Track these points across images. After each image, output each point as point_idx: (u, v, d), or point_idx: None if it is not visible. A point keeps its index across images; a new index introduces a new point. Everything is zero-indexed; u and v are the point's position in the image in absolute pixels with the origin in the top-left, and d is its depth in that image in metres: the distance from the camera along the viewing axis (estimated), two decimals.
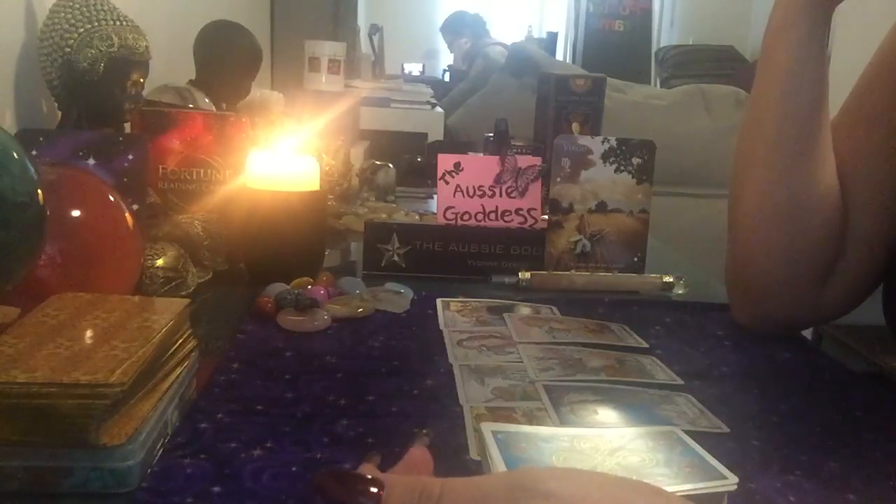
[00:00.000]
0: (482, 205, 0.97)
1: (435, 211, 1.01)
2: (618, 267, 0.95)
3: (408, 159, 1.69)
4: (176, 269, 0.78)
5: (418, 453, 0.37)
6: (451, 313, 0.78)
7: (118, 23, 0.97)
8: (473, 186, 0.97)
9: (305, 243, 0.86)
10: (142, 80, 1.01)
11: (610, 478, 0.34)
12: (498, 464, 0.41)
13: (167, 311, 0.54)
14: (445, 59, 5.63)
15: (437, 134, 2.48)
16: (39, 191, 0.52)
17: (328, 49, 1.81)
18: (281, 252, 0.83)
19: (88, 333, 0.49)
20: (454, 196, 0.97)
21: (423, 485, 0.31)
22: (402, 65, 5.07)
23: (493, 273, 0.91)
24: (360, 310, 0.76)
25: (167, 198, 0.92)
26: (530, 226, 0.97)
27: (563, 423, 0.54)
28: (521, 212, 0.98)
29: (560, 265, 0.94)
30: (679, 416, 0.57)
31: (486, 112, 2.18)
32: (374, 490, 0.30)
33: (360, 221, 1.05)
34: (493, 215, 0.97)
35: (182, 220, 0.87)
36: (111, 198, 0.71)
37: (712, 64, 4.91)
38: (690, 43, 5.34)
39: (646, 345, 0.73)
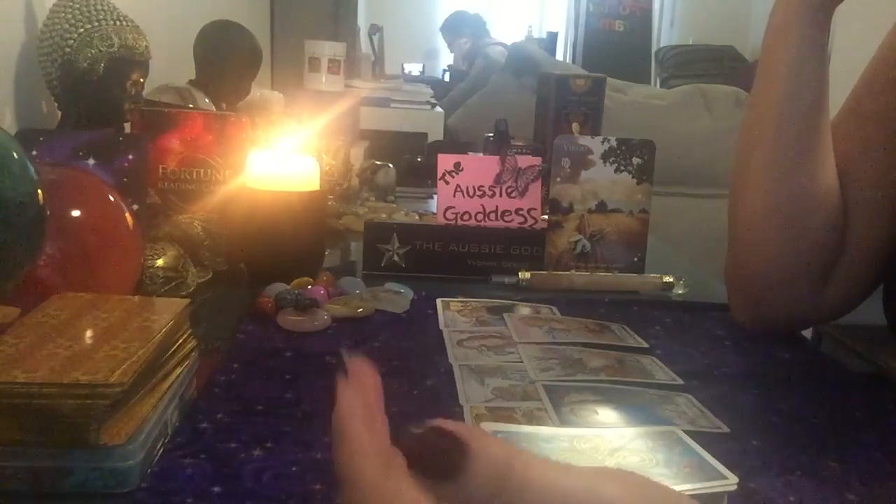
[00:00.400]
0: (482, 205, 0.97)
1: (435, 211, 1.01)
2: (618, 267, 0.95)
3: (408, 159, 1.69)
4: (176, 269, 0.78)
5: (360, 367, 0.31)
6: (451, 313, 0.78)
7: (118, 23, 0.98)
8: (473, 186, 0.97)
9: (305, 243, 0.86)
10: (142, 80, 1.01)
11: (648, 483, 0.30)
12: None
13: (167, 311, 0.54)
14: (445, 59, 5.63)
15: (437, 134, 2.48)
16: (39, 191, 0.52)
17: (328, 49, 1.82)
18: (281, 252, 0.83)
19: (88, 333, 0.49)
20: (454, 196, 0.97)
21: (507, 457, 0.28)
22: (402, 65, 5.07)
23: (493, 273, 0.91)
24: (360, 310, 0.76)
25: (167, 198, 0.92)
26: (530, 226, 0.97)
27: (563, 423, 0.54)
28: (521, 212, 0.98)
29: (560, 265, 0.94)
30: (679, 416, 0.57)
31: (486, 112, 2.18)
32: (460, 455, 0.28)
33: (360, 221, 1.05)
34: (493, 215, 0.97)
35: (182, 220, 0.87)
36: (111, 198, 0.71)
37: (712, 64, 4.91)
38: (690, 43, 5.34)
39: (646, 345, 0.73)
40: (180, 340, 0.54)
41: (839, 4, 0.70)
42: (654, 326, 0.78)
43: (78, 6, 0.96)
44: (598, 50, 5.51)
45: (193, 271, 0.82)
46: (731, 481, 0.42)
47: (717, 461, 0.49)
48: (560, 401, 0.58)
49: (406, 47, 5.43)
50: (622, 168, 0.94)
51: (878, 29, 0.78)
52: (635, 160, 0.95)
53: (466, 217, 0.97)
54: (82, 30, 0.95)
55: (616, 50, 5.48)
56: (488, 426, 0.53)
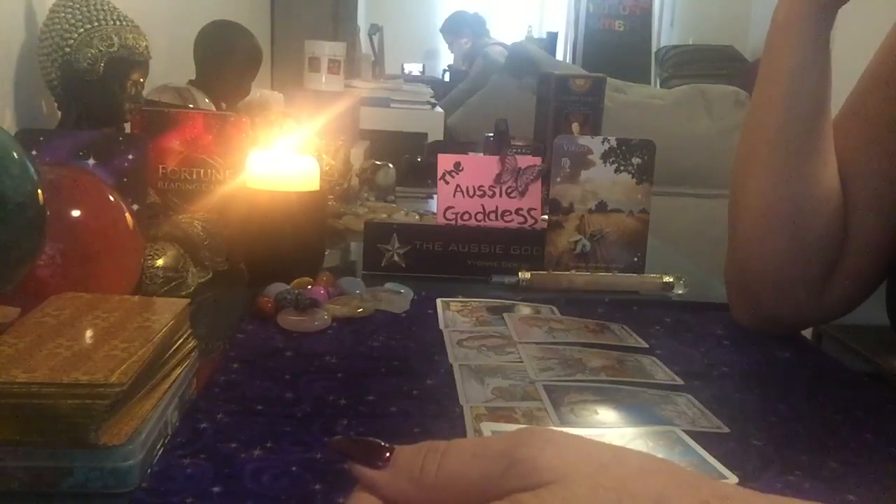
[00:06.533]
0: (482, 205, 0.97)
1: (435, 211, 1.01)
2: (618, 267, 0.95)
3: (408, 159, 1.69)
4: (176, 269, 0.78)
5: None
6: (451, 313, 0.78)
7: (118, 23, 0.98)
8: (473, 186, 0.97)
9: (305, 243, 0.86)
10: (142, 80, 1.01)
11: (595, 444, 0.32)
12: None
13: (167, 311, 0.54)
14: (445, 59, 5.62)
15: (437, 134, 2.48)
16: (39, 191, 0.52)
17: (328, 49, 1.82)
18: (281, 252, 0.83)
19: (88, 333, 0.49)
20: (454, 196, 0.97)
21: (429, 444, 0.32)
22: (402, 65, 5.06)
23: (493, 273, 0.91)
24: (360, 310, 0.76)
25: (167, 198, 0.92)
26: (530, 226, 0.97)
27: (563, 423, 0.54)
28: (521, 212, 0.98)
29: (560, 265, 0.94)
30: (679, 416, 0.57)
31: (486, 112, 2.18)
32: (386, 453, 0.32)
33: (360, 221, 1.05)
34: (493, 215, 0.97)
35: (182, 220, 0.87)
36: (111, 198, 0.71)
37: (712, 64, 4.91)
38: (690, 43, 5.34)
39: (646, 345, 0.73)
40: (180, 340, 0.54)
41: (844, 4, 0.69)
42: (654, 326, 0.78)
43: (78, 6, 0.96)
44: (598, 50, 5.52)
45: (193, 271, 0.82)
46: (731, 481, 0.42)
47: (717, 461, 0.49)
48: (560, 401, 0.58)
49: (406, 47, 5.43)
50: (622, 168, 0.94)
51: (878, 29, 0.78)
52: (635, 160, 0.95)
53: (466, 217, 0.97)
54: (82, 30, 0.95)
55: (616, 50, 5.49)
56: (488, 426, 0.53)
